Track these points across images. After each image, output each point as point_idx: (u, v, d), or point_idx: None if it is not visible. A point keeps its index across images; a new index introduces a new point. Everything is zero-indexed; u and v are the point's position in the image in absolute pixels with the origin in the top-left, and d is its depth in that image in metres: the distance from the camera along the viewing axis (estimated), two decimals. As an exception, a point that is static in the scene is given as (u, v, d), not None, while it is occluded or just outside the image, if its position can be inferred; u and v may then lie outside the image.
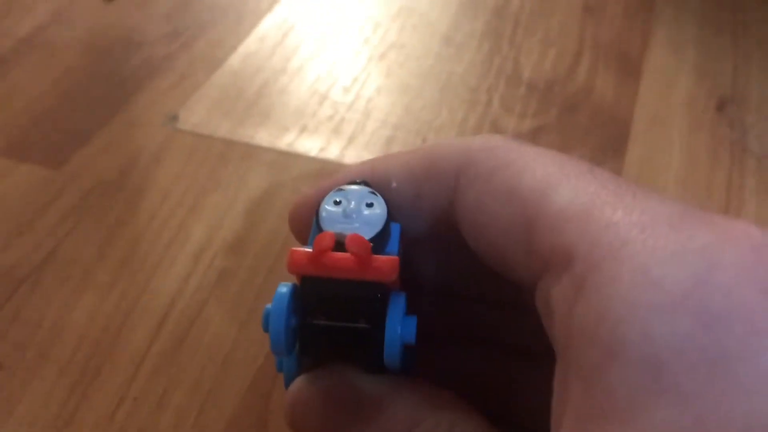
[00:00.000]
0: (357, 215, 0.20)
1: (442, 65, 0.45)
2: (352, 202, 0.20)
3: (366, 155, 0.39)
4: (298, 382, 0.21)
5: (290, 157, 0.39)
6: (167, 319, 0.32)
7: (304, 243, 0.22)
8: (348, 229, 0.19)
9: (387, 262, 0.19)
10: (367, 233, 0.19)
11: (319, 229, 0.20)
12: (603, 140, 0.41)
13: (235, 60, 0.45)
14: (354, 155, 0.39)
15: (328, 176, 0.23)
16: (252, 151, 0.39)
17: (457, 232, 0.21)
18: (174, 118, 0.41)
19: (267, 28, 0.48)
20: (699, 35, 0.48)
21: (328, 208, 0.20)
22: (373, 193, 0.21)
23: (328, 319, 0.19)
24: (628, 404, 0.15)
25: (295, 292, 0.19)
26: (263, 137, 0.40)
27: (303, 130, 0.41)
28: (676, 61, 0.46)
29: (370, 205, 0.20)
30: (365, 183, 0.21)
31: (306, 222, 0.22)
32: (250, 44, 0.46)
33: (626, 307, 0.15)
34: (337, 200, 0.20)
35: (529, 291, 0.19)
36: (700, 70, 0.45)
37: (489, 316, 0.25)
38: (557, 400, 0.17)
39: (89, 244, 0.35)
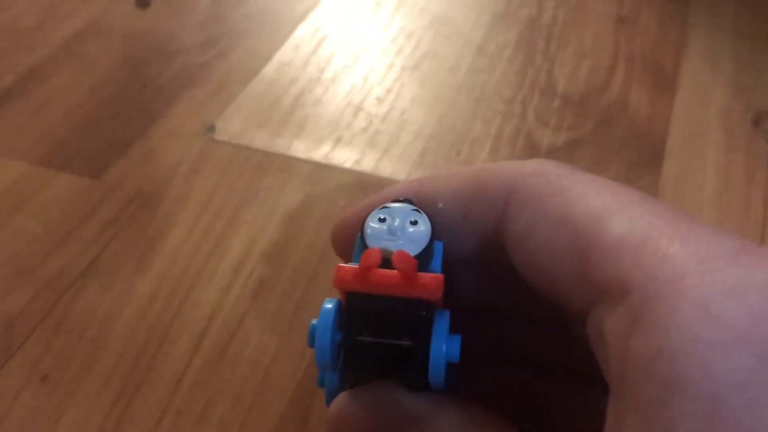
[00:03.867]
0: (402, 233, 0.20)
1: (476, 76, 0.46)
2: (397, 220, 0.20)
3: (400, 167, 0.39)
4: (341, 398, 0.21)
5: (326, 169, 0.39)
6: (208, 331, 0.32)
7: (347, 260, 0.22)
8: (393, 246, 0.20)
9: (433, 279, 0.19)
10: (412, 250, 0.20)
11: (364, 246, 0.20)
12: (638, 154, 0.41)
13: (270, 69, 0.46)
14: (389, 167, 0.39)
15: (373, 194, 0.23)
16: (289, 163, 0.39)
17: (502, 255, 0.21)
18: (211, 128, 0.41)
19: (301, 36, 0.48)
20: (734, 47, 0.48)
21: (373, 225, 0.20)
22: (417, 210, 0.21)
23: (373, 335, 0.20)
24: None
25: (340, 308, 0.20)
26: (299, 148, 0.40)
27: (338, 141, 0.41)
28: (712, 73, 0.46)
29: (414, 223, 0.20)
30: (409, 201, 0.21)
31: (349, 239, 0.22)
32: (284, 53, 0.47)
33: (685, 342, 0.15)
34: (382, 217, 0.20)
35: (577, 318, 0.19)
36: (736, 83, 0.45)
37: (531, 337, 0.25)
38: (610, 430, 0.17)
39: (129, 255, 0.35)
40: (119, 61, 0.46)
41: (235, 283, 0.34)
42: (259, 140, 0.41)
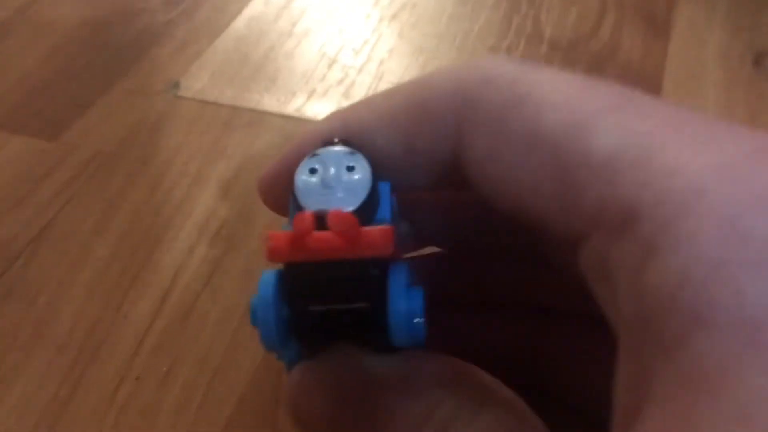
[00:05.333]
0: (337, 183, 0.17)
1: (458, 25, 0.43)
2: (331, 168, 0.17)
3: (380, 119, 0.37)
4: (298, 371, 0.18)
5: (299, 123, 0.37)
6: (171, 293, 0.29)
7: (284, 214, 0.19)
8: (330, 201, 0.17)
9: (379, 234, 0.16)
10: (352, 202, 0.17)
11: (297, 206, 0.17)
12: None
13: (239, 24, 0.43)
14: (367, 119, 0.37)
15: (293, 141, 0.19)
16: (259, 117, 0.37)
17: (466, 183, 0.18)
18: (176, 85, 0.39)
19: (272, -8, 0.46)
20: (730, -12, 0.45)
21: (303, 178, 0.17)
22: (352, 153, 0.18)
23: (324, 303, 0.17)
24: (720, 372, 0.12)
25: (282, 279, 0.17)
26: (270, 103, 0.38)
27: (312, 94, 0.38)
28: (707, 13, 0.43)
29: (350, 169, 0.17)
30: (343, 141, 0.18)
31: (279, 193, 0.19)
32: (254, 7, 0.44)
33: (713, 266, 0.13)
34: (314, 167, 0.17)
35: (564, 250, 0.17)
36: (733, 22, 0.42)
37: (511, 274, 0.22)
38: (627, 374, 0.14)
39: (87, 217, 0.33)
40: (79, 23, 0.44)
41: (201, 242, 0.31)
42: (227, 95, 0.38)
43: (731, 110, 0.37)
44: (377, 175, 0.18)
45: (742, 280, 0.12)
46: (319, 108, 0.37)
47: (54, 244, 0.31)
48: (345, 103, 0.37)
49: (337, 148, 0.18)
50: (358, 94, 0.38)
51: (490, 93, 0.17)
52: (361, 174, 0.17)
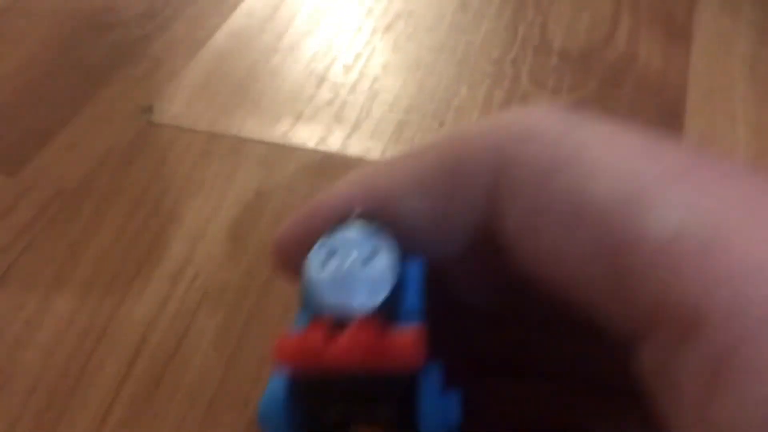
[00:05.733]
0: (357, 275, 0.14)
1: (458, 35, 0.39)
2: (348, 258, 0.15)
3: (373, 144, 0.33)
4: None
5: (285, 151, 0.33)
6: (140, 354, 0.26)
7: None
8: (347, 299, 0.14)
9: (408, 340, 0.14)
10: (373, 298, 0.14)
11: (308, 301, 0.15)
12: (655, 114, 0.35)
13: (218, 40, 0.39)
14: (359, 145, 0.33)
15: (308, 205, 0.17)
16: (240, 145, 0.33)
17: (504, 252, 0.15)
18: (148, 110, 0.35)
19: (255, 1, 0.42)
20: (754, -12, 0.41)
21: (316, 267, 0.15)
22: (374, 234, 0.15)
23: (344, 411, 0.15)
24: None
25: (294, 385, 0.15)
26: (253, 128, 0.34)
27: (299, 117, 0.35)
28: (731, 17, 0.39)
29: (372, 255, 0.15)
30: (364, 215, 0.15)
31: (294, 260, 0.16)
32: (235, 21, 0.40)
33: None
34: (330, 252, 0.15)
35: (619, 339, 0.13)
36: (759, 25, 0.39)
37: (554, 345, 0.20)
38: None
39: (47, 264, 0.29)
40: (45, 40, 0.40)
41: (174, 294, 0.28)
42: (205, 120, 0.34)
43: (764, 126, 0.34)
44: (403, 254, 0.15)
45: None
46: (307, 133, 0.34)
47: (9, 296, 0.28)
48: (336, 127, 0.34)
49: (356, 229, 0.15)
50: (350, 117, 0.35)
51: (531, 153, 0.14)
52: (385, 261, 0.15)
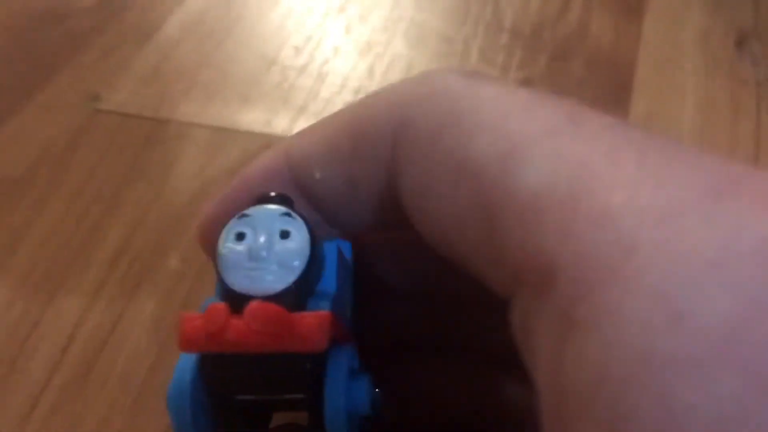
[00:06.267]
0: (269, 253, 0.14)
1: (411, 15, 0.39)
2: (261, 236, 0.14)
3: (319, 127, 0.33)
4: None
5: (229, 134, 0.33)
6: (73, 342, 0.26)
7: None
8: (258, 279, 0.14)
9: (312, 326, 0.14)
10: (285, 278, 0.14)
11: (220, 280, 0.14)
12: (603, 91, 0.34)
13: (170, 28, 0.39)
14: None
15: (236, 179, 0.17)
16: (184, 130, 0.33)
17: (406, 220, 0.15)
18: (96, 98, 0.35)
19: (208, -13, 0.42)
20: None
21: (229, 245, 0.14)
22: (288, 214, 0.15)
23: (252, 393, 0.15)
24: None
25: (202, 365, 0.15)
26: (199, 113, 0.34)
27: (245, 101, 0.34)
28: (685, -9, 0.39)
29: (285, 234, 0.14)
30: (281, 197, 0.15)
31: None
32: (188, 8, 0.40)
33: (636, 360, 0.10)
34: (241, 232, 0.14)
35: (502, 301, 0.13)
36: (713, 0, 0.38)
37: (469, 321, 0.20)
38: None
39: (-13, 254, 0.29)
40: (-4, 30, 0.40)
41: (109, 280, 0.28)
42: (150, 107, 0.34)
43: (711, 98, 0.33)
44: (320, 236, 0.15)
45: (673, 386, 0.09)
46: (252, 116, 0.34)
47: (-53, 288, 0.28)
48: (282, 110, 0.34)
49: (272, 207, 0.15)
50: (297, 99, 0.34)
51: (425, 113, 0.14)
52: (298, 241, 0.14)
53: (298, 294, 0.14)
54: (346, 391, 0.14)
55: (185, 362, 0.15)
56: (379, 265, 0.20)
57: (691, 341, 0.09)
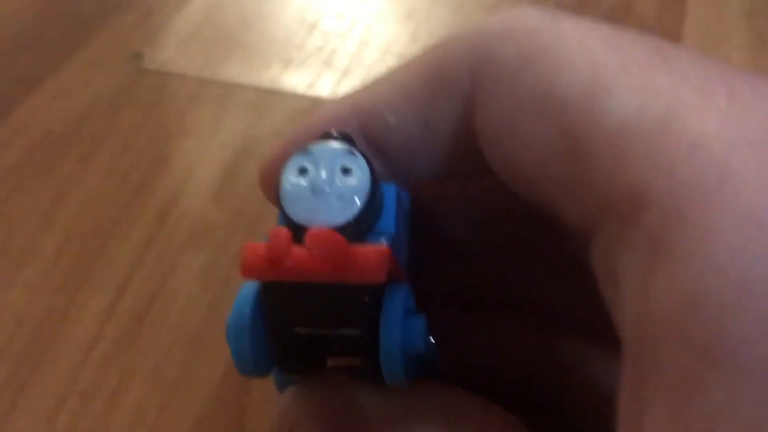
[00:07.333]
0: (330, 188, 0.14)
1: (453, -16, 0.39)
2: (323, 170, 0.14)
3: (364, 90, 0.33)
4: (290, 395, 0.16)
5: (273, 96, 0.33)
6: (124, 294, 0.26)
7: None
8: (319, 211, 0.14)
9: (372, 258, 0.14)
10: (345, 213, 0.14)
11: (283, 214, 0.14)
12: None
13: (210, -11, 0.39)
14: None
15: (301, 123, 0.16)
16: (229, 91, 0.33)
17: (487, 165, 0.15)
18: (138, 56, 0.35)
19: (248, -48, 0.41)
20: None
21: (291, 179, 0.14)
22: (350, 151, 0.15)
23: (309, 326, 0.15)
24: None
25: (263, 295, 0.15)
26: (242, 74, 0.34)
27: (288, 63, 0.34)
28: (730, -33, 0.39)
29: (347, 171, 0.14)
30: (343, 135, 0.15)
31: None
32: (226, -30, 0.40)
33: (733, 284, 0.10)
34: (303, 167, 0.15)
35: (583, 243, 0.13)
36: (759, -24, 0.38)
37: (537, 277, 0.20)
38: (628, 415, 0.11)
39: (34, 207, 0.29)
40: (34, -11, 0.40)
41: (160, 234, 0.28)
42: (194, 66, 0.34)
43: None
44: (381, 177, 0.15)
45: None
46: (295, 79, 0.33)
47: (-5, 238, 0.28)
48: (326, 73, 0.33)
49: (334, 144, 0.15)
50: (341, 63, 0.34)
51: (506, 50, 0.14)
52: (359, 178, 0.14)
53: (358, 229, 0.14)
54: (401, 327, 0.14)
55: (246, 292, 0.15)
56: (444, 217, 0.19)
57: None
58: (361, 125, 0.16)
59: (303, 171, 0.14)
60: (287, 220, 0.14)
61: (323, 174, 0.14)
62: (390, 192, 0.16)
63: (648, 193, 0.11)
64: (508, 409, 0.16)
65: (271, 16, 0.37)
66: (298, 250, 0.13)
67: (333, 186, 0.14)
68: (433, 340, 0.15)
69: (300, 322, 0.15)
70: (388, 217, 0.15)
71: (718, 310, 0.10)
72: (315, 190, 0.14)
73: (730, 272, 0.10)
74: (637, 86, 0.12)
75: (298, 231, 0.14)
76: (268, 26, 0.36)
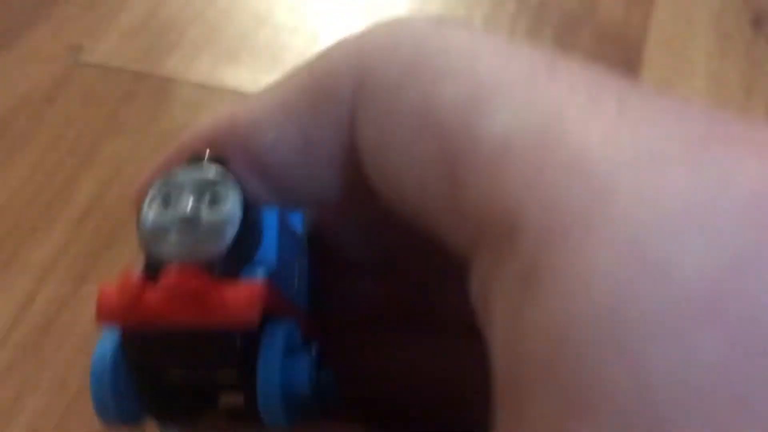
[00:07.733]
0: (196, 218, 0.13)
1: (413, -19, 0.37)
2: (187, 201, 0.13)
3: (309, 89, 0.32)
4: None
5: (212, 92, 0.31)
6: (34, 299, 0.25)
7: None
8: (182, 247, 0.13)
9: (241, 297, 0.12)
10: (213, 247, 0.13)
11: (144, 250, 0.13)
12: (609, 67, 0.33)
13: (160, -20, 0.37)
14: (295, 89, 0.32)
15: (171, 148, 0.15)
16: (166, 86, 0.32)
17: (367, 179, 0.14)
18: (77, 49, 0.33)
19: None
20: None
21: (153, 211, 0.13)
22: (220, 176, 0.13)
23: (180, 369, 0.13)
24: None
25: (124, 342, 0.13)
26: (181, 69, 0.32)
27: (233, 59, 0.33)
28: (701, -33, 0.37)
29: (215, 198, 0.13)
30: (215, 158, 0.13)
31: None
32: (178, -40, 0.39)
33: (603, 322, 0.09)
34: (167, 195, 0.13)
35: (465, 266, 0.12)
36: (731, -23, 0.37)
37: (434, 295, 0.18)
38: None
39: (-48, 205, 0.27)
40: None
41: (78, 236, 0.26)
42: (133, 60, 0.33)
43: (723, 79, 0.32)
44: (264, 199, 0.14)
45: (642, 347, 0.08)
46: (239, 74, 0.32)
47: None
48: (272, 69, 0.32)
49: (202, 169, 0.13)
50: (288, 59, 0.33)
51: (389, 61, 0.13)
52: (230, 205, 0.13)
53: (230, 262, 0.13)
54: (281, 368, 0.13)
55: (108, 337, 0.13)
56: (341, 239, 0.18)
57: (667, 298, 0.08)
58: (239, 143, 0.14)
59: (167, 199, 0.13)
60: (148, 257, 0.13)
61: (188, 205, 0.13)
62: (271, 217, 0.14)
63: (522, 218, 0.10)
64: (426, 428, 0.15)
65: (222, 10, 0.36)
66: (154, 293, 0.12)
67: (199, 216, 0.13)
68: (329, 376, 0.14)
69: (169, 366, 0.13)
70: (269, 245, 0.14)
71: (583, 350, 0.08)
72: (179, 222, 0.13)
73: (602, 304, 0.08)
74: (519, 100, 0.11)
75: (161, 267, 0.12)
76: (217, 20, 0.35)
